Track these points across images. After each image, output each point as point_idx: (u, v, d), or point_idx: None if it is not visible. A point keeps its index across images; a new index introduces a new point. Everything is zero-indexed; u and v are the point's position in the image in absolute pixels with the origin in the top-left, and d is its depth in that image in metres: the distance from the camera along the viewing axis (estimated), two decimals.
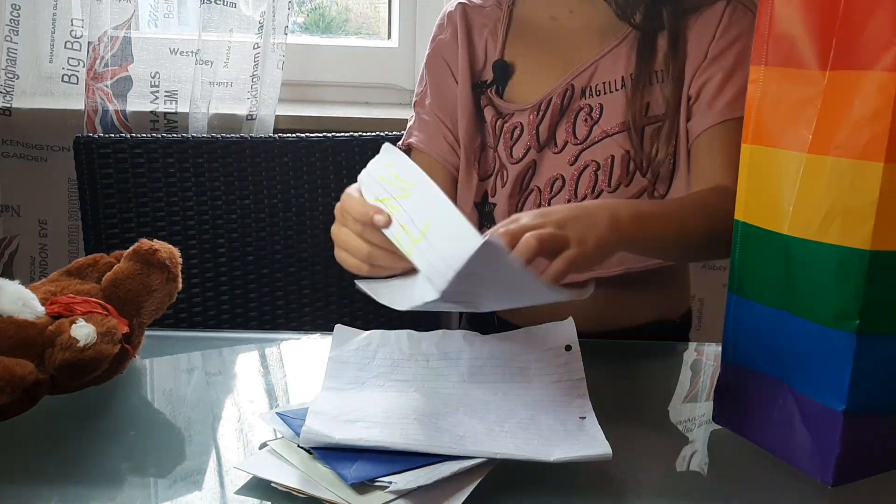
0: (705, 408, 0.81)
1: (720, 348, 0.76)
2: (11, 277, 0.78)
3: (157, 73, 1.48)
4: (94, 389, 0.77)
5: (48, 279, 0.84)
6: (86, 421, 0.74)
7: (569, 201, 1.03)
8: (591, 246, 0.75)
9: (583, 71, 1.02)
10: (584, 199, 1.02)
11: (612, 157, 1.01)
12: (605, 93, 1.01)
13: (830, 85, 0.64)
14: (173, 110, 1.49)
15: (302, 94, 1.68)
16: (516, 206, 1.05)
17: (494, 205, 1.06)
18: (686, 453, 0.76)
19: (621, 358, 0.95)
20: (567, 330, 0.80)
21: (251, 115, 1.51)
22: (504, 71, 1.06)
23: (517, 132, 1.04)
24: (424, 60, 1.13)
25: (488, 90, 1.06)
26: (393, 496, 0.60)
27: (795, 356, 0.68)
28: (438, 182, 1.05)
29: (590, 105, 1.02)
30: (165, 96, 1.49)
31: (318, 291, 1.37)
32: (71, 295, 0.78)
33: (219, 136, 1.32)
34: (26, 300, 0.75)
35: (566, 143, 1.03)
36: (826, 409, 0.65)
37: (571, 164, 1.02)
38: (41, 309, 0.76)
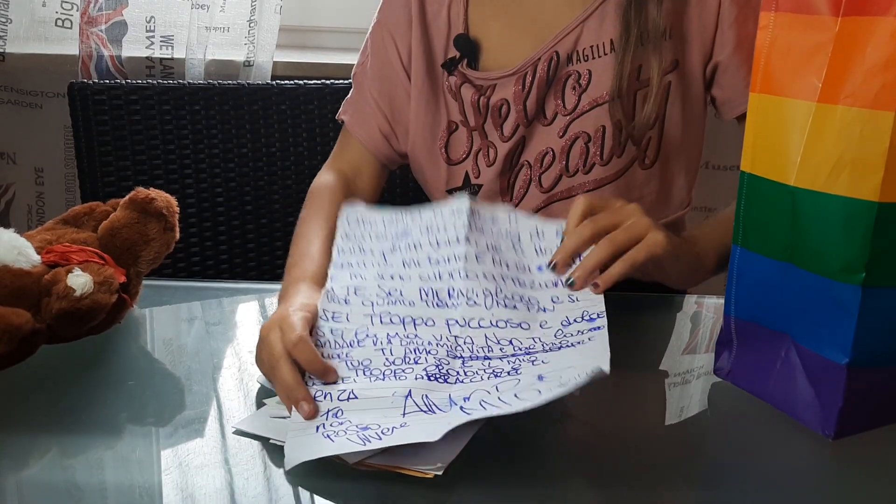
0: (705, 360, 0.81)
1: (721, 301, 0.76)
2: (8, 226, 0.77)
3: (152, 17, 1.45)
4: (92, 339, 0.77)
5: (44, 227, 0.83)
6: (84, 370, 0.74)
7: (560, 177, 0.99)
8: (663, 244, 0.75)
9: (566, 35, 0.95)
10: (575, 172, 0.98)
11: (603, 127, 0.96)
12: (592, 57, 0.96)
13: (842, 31, 0.62)
14: (169, 56, 1.47)
15: (300, 40, 1.66)
16: (508, 184, 1.01)
17: (481, 185, 1.01)
18: (685, 405, 0.76)
19: (620, 309, 0.94)
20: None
21: (248, 62, 1.48)
22: (469, 46, 0.99)
23: (504, 109, 0.99)
24: (370, 28, 1.04)
25: (460, 66, 0.99)
26: (378, 451, 0.60)
27: (799, 309, 0.67)
28: (365, 173, 1.04)
29: (577, 72, 0.96)
30: (161, 42, 1.46)
31: None
32: (67, 244, 0.78)
33: (215, 82, 1.30)
34: (22, 249, 0.74)
35: (556, 114, 0.98)
36: (829, 362, 0.65)
37: (561, 136, 0.98)
38: (37, 258, 0.75)
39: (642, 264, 0.74)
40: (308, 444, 0.61)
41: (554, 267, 0.75)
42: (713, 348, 0.77)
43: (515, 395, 0.63)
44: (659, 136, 0.98)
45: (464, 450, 0.60)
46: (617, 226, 0.75)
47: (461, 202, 0.79)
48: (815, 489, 0.65)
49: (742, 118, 0.95)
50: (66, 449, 0.64)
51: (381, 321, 0.72)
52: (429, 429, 0.60)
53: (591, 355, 0.65)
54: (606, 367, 0.61)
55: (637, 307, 0.95)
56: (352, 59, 1.48)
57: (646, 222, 0.75)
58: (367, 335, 0.71)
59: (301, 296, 0.75)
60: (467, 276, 0.73)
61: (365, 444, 0.59)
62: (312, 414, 0.63)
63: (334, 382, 0.66)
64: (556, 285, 0.75)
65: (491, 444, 0.63)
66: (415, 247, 0.78)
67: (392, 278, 0.76)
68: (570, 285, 0.73)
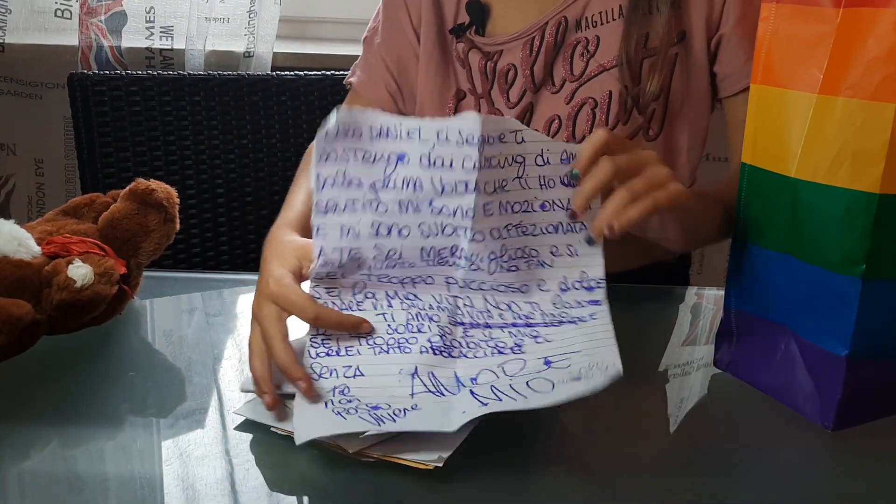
0: (704, 351, 0.81)
1: (721, 292, 0.76)
2: (8, 217, 0.77)
3: (151, 7, 1.45)
4: (92, 330, 0.77)
5: (44, 219, 0.83)
6: (85, 361, 0.74)
7: (566, 143, 1.00)
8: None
9: (574, 0, 0.96)
10: (581, 139, 0.96)
11: (610, 92, 0.96)
12: (601, 23, 0.96)
13: (844, 23, 0.62)
14: (169, 47, 1.46)
15: (300, 31, 1.65)
16: None
17: None
18: (685, 396, 0.76)
19: (620, 301, 0.94)
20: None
21: (248, 53, 1.48)
22: (479, 11, 0.99)
23: (511, 74, 0.99)
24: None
25: (468, 32, 1.00)
26: (378, 440, 0.60)
27: (799, 301, 0.67)
28: None
29: (586, 38, 0.96)
30: (161, 32, 1.46)
31: None
32: (67, 235, 0.78)
33: (216, 73, 1.30)
34: (22, 240, 0.74)
35: (564, 81, 0.98)
36: (829, 354, 0.65)
37: (567, 103, 0.98)
38: (37, 249, 0.75)
39: (664, 210, 0.69)
40: (319, 421, 0.60)
41: (573, 215, 0.69)
42: (713, 340, 0.77)
43: (528, 385, 0.62)
44: (664, 107, 0.97)
45: (464, 441, 0.60)
46: (633, 169, 0.69)
47: (470, 124, 0.66)
48: (814, 480, 0.65)
49: (732, 99, 0.96)
50: (67, 440, 0.64)
51: (378, 281, 0.69)
52: (442, 416, 0.60)
53: (598, 345, 0.64)
54: (619, 368, 0.61)
55: (637, 299, 0.95)
56: (352, 50, 1.47)
57: (666, 171, 0.70)
58: (366, 296, 0.69)
59: (282, 253, 0.72)
60: (473, 237, 0.67)
61: (379, 425, 0.59)
62: (309, 391, 0.62)
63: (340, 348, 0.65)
64: (556, 230, 0.70)
65: (490, 434, 0.63)
66: (413, 184, 0.67)
67: (389, 233, 0.68)
68: (589, 242, 0.68)
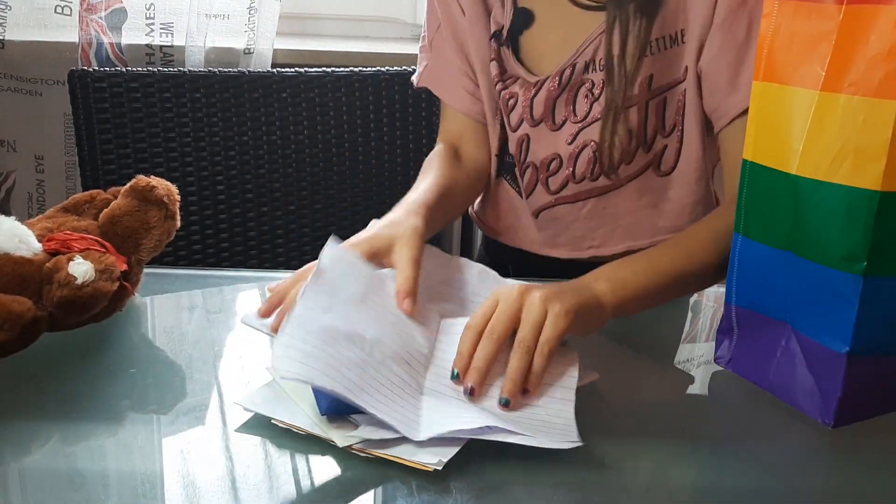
0: (705, 348, 0.81)
1: (722, 289, 0.76)
2: (8, 214, 0.77)
3: (151, 4, 1.45)
4: (93, 327, 0.77)
5: (44, 216, 0.83)
6: (86, 358, 0.74)
7: (566, 182, 0.98)
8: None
9: (589, 44, 0.93)
10: (582, 180, 0.97)
11: (614, 135, 0.93)
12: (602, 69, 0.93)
13: (846, 19, 0.62)
14: (169, 43, 1.46)
15: (301, 28, 1.65)
16: (522, 172, 1.02)
17: (513, 157, 1.03)
18: (685, 393, 0.76)
19: None
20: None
21: (248, 49, 1.48)
22: (524, 18, 0.97)
23: (512, 102, 0.99)
24: (428, 2, 1.04)
25: (503, 45, 0.98)
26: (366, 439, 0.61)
27: (800, 298, 0.67)
28: (467, 135, 1.05)
29: (592, 80, 0.94)
30: (161, 29, 1.46)
31: (319, 230, 1.36)
32: (68, 231, 0.78)
33: (216, 70, 1.30)
34: (23, 237, 0.74)
35: (565, 120, 0.96)
36: (830, 351, 0.65)
37: (569, 143, 0.96)
38: (38, 245, 0.75)
39: (559, 341, 0.68)
40: (298, 365, 0.60)
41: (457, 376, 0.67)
42: (714, 337, 0.77)
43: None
44: (678, 144, 0.95)
45: (464, 444, 0.61)
46: (511, 318, 0.68)
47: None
48: (814, 477, 0.65)
49: (721, 133, 0.91)
50: (68, 436, 0.64)
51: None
52: (412, 416, 0.62)
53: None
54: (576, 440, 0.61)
55: None
56: (352, 46, 1.47)
57: (535, 301, 0.68)
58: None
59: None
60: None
61: (353, 397, 0.60)
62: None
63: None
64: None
65: (489, 440, 0.63)
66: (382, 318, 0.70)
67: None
68: (506, 405, 0.65)
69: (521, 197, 1.04)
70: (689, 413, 0.72)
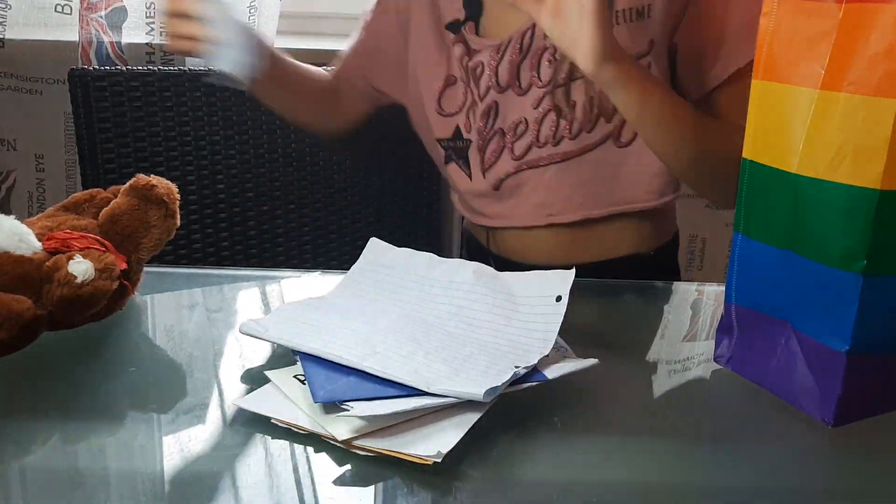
0: (705, 347, 0.81)
1: (722, 288, 0.76)
2: (8, 212, 0.77)
3: (152, 3, 1.45)
4: (93, 325, 0.77)
5: (44, 214, 0.83)
6: (86, 357, 0.74)
7: (530, 146, 1.02)
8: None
9: None
10: (545, 145, 1.02)
11: (575, 102, 0.98)
12: None
13: (846, 18, 0.62)
14: None
15: (301, 27, 1.65)
16: (485, 144, 1.05)
17: (470, 141, 1.06)
18: (684, 392, 0.76)
19: (621, 297, 0.95)
20: (564, 279, 0.76)
21: None
22: (477, 7, 1.03)
23: (479, 71, 1.03)
24: None
25: (464, 28, 1.03)
26: (369, 430, 0.61)
27: (800, 297, 0.67)
28: (345, 90, 1.20)
29: (554, 46, 0.97)
30: (161, 28, 1.46)
31: (319, 229, 1.36)
32: (68, 230, 0.78)
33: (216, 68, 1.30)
34: (22, 235, 0.74)
35: (531, 85, 1.00)
36: (829, 350, 0.65)
37: (535, 108, 1.00)
38: (38, 244, 0.75)
39: None
40: (290, 329, 0.69)
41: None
42: (713, 336, 0.77)
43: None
44: None
45: (463, 436, 0.60)
46: None
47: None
48: (814, 476, 0.65)
49: (714, 94, 0.96)
50: (68, 436, 0.64)
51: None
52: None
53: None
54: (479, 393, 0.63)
55: (637, 295, 0.95)
56: None
57: None
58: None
59: None
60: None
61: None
62: None
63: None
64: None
65: (489, 430, 0.63)
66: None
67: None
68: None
69: (470, 179, 1.08)
70: (689, 412, 0.72)
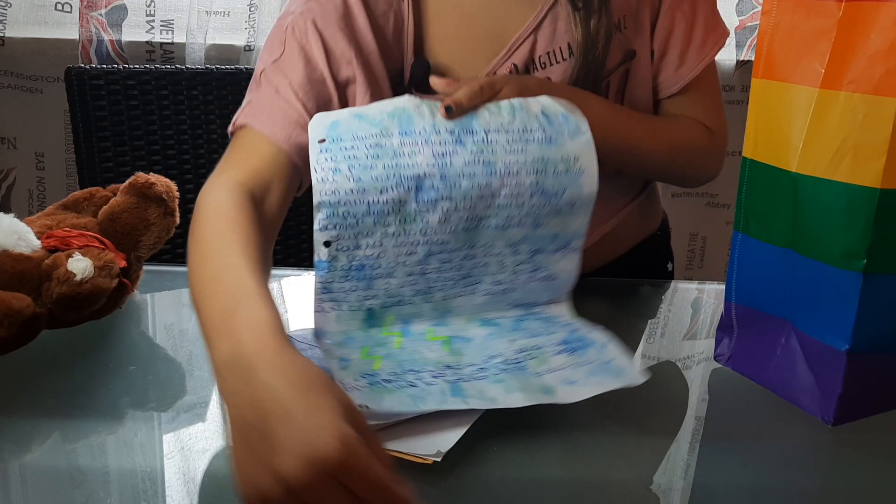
0: (705, 345, 0.81)
1: (722, 287, 0.76)
2: (8, 211, 0.77)
3: (152, 1, 1.45)
4: (93, 324, 0.77)
5: (44, 213, 0.83)
6: (85, 355, 0.74)
7: None
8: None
9: (520, 45, 0.89)
10: None
11: None
12: (550, 64, 0.90)
13: (846, 16, 0.62)
14: (169, 40, 1.46)
15: None
16: None
17: None
18: (685, 391, 0.76)
19: (620, 296, 0.95)
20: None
21: (249, 46, 1.48)
22: (425, 69, 0.88)
23: None
24: (288, 25, 0.86)
25: (411, 90, 0.88)
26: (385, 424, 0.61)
27: (800, 295, 0.67)
28: (275, 187, 0.80)
29: (548, 76, 0.90)
30: (161, 26, 1.46)
31: None
32: (67, 228, 0.78)
33: (213, 67, 1.30)
34: (22, 234, 0.74)
35: None
36: (829, 348, 0.65)
37: None
38: (37, 242, 0.75)
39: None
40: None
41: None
42: (713, 334, 0.77)
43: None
44: None
45: (462, 435, 0.60)
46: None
47: None
48: (814, 475, 0.65)
49: (669, 100, 0.96)
50: (68, 434, 0.64)
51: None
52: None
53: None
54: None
55: (638, 293, 0.95)
56: None
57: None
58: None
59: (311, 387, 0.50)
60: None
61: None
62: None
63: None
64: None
65: (488, 430, 0.63)
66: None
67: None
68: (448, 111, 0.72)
69: None
70: (689, 410, 0.72)
